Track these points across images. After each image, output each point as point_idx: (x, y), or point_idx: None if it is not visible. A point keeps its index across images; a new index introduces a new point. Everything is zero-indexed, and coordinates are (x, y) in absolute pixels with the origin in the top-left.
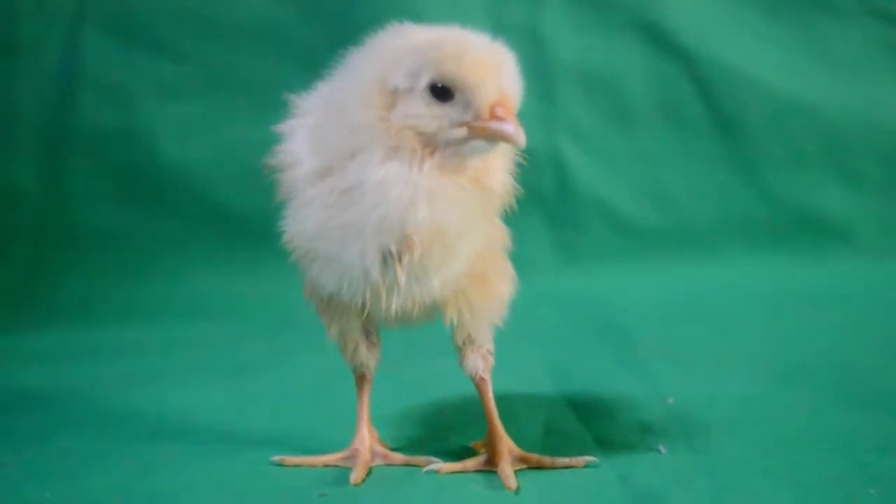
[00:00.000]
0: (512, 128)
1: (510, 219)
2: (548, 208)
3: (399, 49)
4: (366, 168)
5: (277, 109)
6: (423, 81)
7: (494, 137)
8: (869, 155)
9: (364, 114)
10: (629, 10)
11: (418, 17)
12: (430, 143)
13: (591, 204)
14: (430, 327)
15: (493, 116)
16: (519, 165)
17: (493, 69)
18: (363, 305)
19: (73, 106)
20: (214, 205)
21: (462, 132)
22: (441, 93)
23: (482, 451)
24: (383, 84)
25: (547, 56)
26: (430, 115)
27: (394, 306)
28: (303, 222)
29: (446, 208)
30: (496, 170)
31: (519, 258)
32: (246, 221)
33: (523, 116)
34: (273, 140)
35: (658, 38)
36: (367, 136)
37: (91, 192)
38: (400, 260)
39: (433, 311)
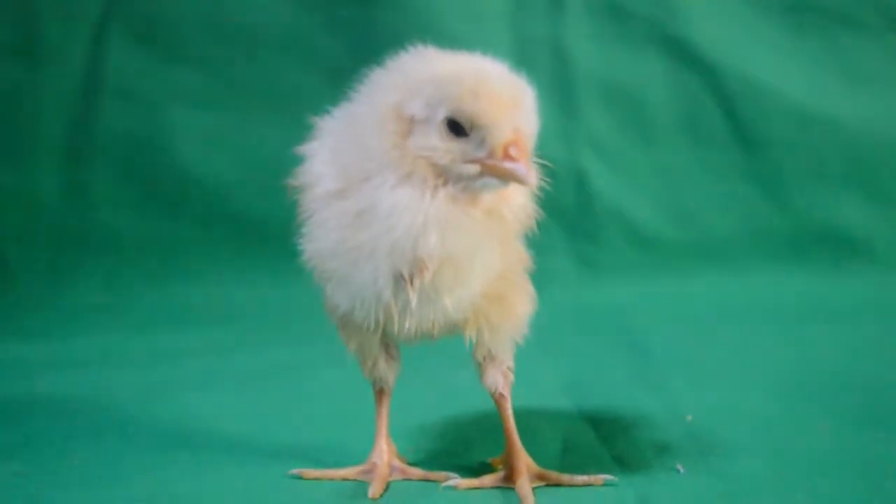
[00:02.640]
0: (524, 169)
1: (531, 231)
2: (568, 221)
3: (418, 77)
4: (378, 192)
5: (300, 118)
6: (440, 115)
7: (506, 177)
8: (891, 169)
9: (379, 140)
10: (652, 24)
11: (441, 29)
12: (443, 175)
13: (612, 217)
14: (450, 341)
15: (507, 156)
16: (540, 179)
17: (509, 108)
18: (377, 325)
19: (96, 113)
20: (236, 213)
21: (475, 168)
22: (457, 128)
23: (500, 467)
24: (400, 111)
25: (569, 69)
26: (445, 149)
27: (406, 327)
28: (318, 242)
29: (457, 238)
30: (515, 195)
31: (539, 271)
32: (267, 229)
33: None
34: (295, 147)
35: (680, 52)
36: (381, 161)
37: (113, 199)
38: (412, 282)
39: (453, 329)
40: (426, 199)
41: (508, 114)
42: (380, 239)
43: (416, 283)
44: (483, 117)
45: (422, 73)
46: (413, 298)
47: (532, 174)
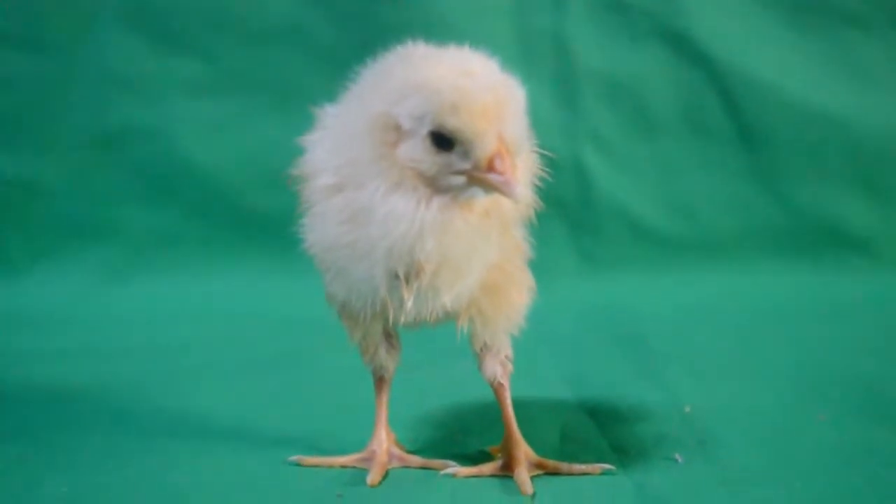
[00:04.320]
0: (509, 182)
1: (531, 225)
2: (569, 215)
3: (403, 87)
4: (374, 198)
5: (302, 110)
6: (425, 129)
7: (491, 190)
8: (892, 167)
9: (368, 148)
10: (654, 19)
11: (443, 23)
12: (432, 185)
13: (613, 212)
14: (450, 329)
15: (491, 169)
16: (541, 171)
17: (492, 119)
18: (374, 315)
19: (99, 104)
20: (238, 203)
21: (461, 180)
22: (441, 141)
23: (499, 455)
24: (387, 119)
25: (571, 63)
26: (431, 161)
27: (402, 321)
28: (318, 233)
29: (454, 242)
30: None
31: (539, 265)
32: (269, 220)
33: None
34: (296, 138)
35: (683, 47)
36: (371, 169)
37: (114, 189)
38: (407, 282)
39: (450, 316)
40: (421, 206)
41: (491, 124)
42: (377, 241)
43: (414, 283)
44: (465, 131)
45: (406, 82)
46: (409, 298)
47: (516, 187)
